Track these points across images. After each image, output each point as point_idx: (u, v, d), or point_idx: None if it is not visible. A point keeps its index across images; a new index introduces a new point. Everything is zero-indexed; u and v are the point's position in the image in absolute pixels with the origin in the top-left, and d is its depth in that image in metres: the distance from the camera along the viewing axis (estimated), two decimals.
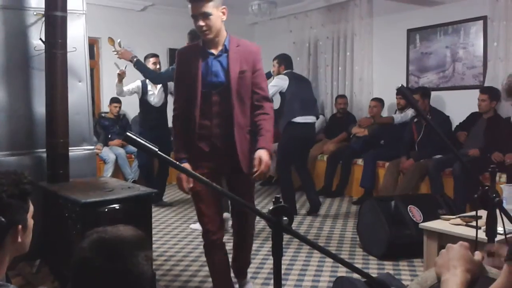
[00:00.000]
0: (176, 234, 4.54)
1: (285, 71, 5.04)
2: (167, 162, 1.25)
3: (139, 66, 4.54)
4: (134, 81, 5.56)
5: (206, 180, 1.30)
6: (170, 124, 6.32)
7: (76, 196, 2.93)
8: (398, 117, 5.94)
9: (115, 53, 4.59)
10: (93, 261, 1.14)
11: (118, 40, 4.58)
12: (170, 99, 5.77)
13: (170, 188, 6.59)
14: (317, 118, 5.23)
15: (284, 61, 5.14)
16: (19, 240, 1.45)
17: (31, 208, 1.50)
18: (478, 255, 1.25)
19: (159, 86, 5.53)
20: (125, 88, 5.41)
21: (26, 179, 1.49)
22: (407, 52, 6.38)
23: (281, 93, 4.96)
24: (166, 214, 5.30)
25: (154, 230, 4.05)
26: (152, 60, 5.48)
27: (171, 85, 5.39)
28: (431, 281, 1.26)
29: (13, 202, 1.43)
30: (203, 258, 3.80)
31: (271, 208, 1.16)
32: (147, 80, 5.42)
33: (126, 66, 5.20)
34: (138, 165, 6.05)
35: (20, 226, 1.44)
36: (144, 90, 5.52)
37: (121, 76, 5.23)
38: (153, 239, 3.94)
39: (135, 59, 4.49)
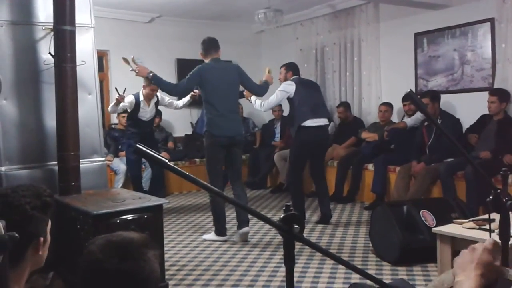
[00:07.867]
0: (188, 244, 4.54)
1: (292, 77, 5.05)
2: (176, 172, 1.24)
3: (156, 80, 4.63)
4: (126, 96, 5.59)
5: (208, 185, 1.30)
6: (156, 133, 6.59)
7: (88, 208, 2.96)
8: (411, 122, 5.90)
9: (133, 71, 4.65)
10: (106, 262, 1.14)
11: (132, 57, 4.63)
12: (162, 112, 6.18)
13: (177, 197, 6.64)
14: (330, 120, 5.19)
15: (291, 67, 5.14)
16: (40, 253, 1.44)
17: (49, 222, 1.50)
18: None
19: (152, 103, 5.67)
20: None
21: (46, 192, 1.49)
22: (415, 56, 6.35)
23: (289, 99, 4.95)
24: (177, 224, 5.31)
25: (166, 240, 4.06)
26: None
27: (162, 99, 5.70)
28: (448, 283, 1.24)
29: (36, 214, 1.43)
30: (216, 267, 3.83)
31: (281, 216, 1.15)
32: (140, 97, 5.57)
33: (125, 90, 5.41)
34: (130, 176, 6.07)
35: (41, 239, 1.44)
36: (136, 107, 5.61)
37: (118, 101, 5.39)
38: (165, 249, 3.94)
39: (151, 74, 4.56)
